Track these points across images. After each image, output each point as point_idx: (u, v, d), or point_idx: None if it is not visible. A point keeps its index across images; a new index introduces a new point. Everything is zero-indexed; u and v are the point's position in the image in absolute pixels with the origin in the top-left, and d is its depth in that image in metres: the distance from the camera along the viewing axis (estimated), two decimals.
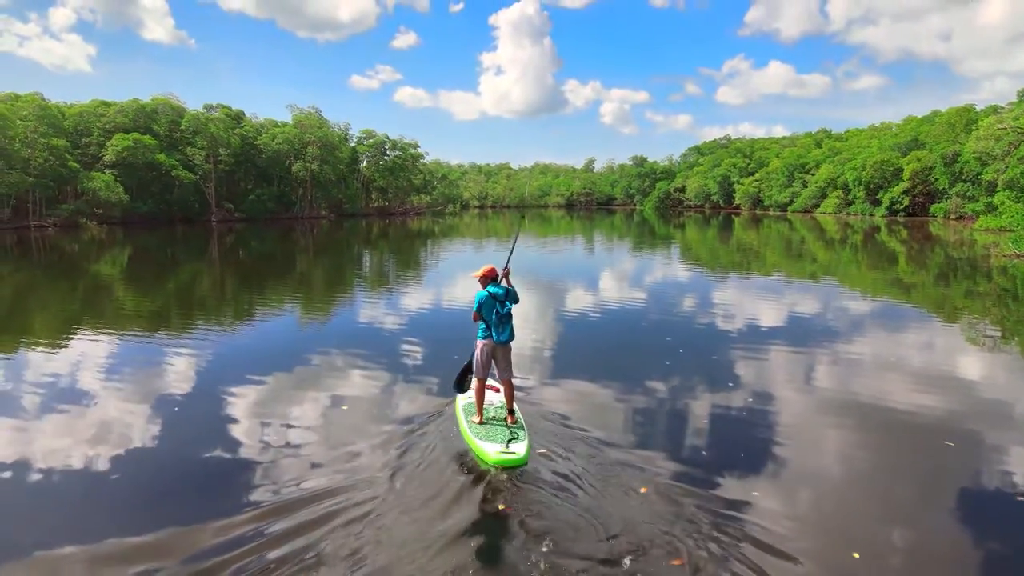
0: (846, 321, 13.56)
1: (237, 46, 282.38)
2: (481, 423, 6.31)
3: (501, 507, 5.01)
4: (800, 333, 12.08)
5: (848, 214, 71.36)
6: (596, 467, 5.74)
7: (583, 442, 6.33)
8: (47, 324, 13.42)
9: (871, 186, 67.37)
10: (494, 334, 6.31)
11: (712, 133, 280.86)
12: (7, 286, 19.96)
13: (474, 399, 6.52)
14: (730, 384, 8.60)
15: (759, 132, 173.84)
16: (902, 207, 63.55)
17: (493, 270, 6.45)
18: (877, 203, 66.73)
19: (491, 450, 5.71)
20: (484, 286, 6.38)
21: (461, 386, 6.76)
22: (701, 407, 7.65)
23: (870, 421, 7.28)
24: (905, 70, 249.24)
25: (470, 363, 6.62)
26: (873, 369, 9.53)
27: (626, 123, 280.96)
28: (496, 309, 6.28)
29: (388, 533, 4.57)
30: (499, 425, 6.28)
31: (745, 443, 6.58)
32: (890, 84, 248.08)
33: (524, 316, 13.84)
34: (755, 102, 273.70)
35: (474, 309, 6.35)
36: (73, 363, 9.77)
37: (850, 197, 72.36)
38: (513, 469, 5.60)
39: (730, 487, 5.48)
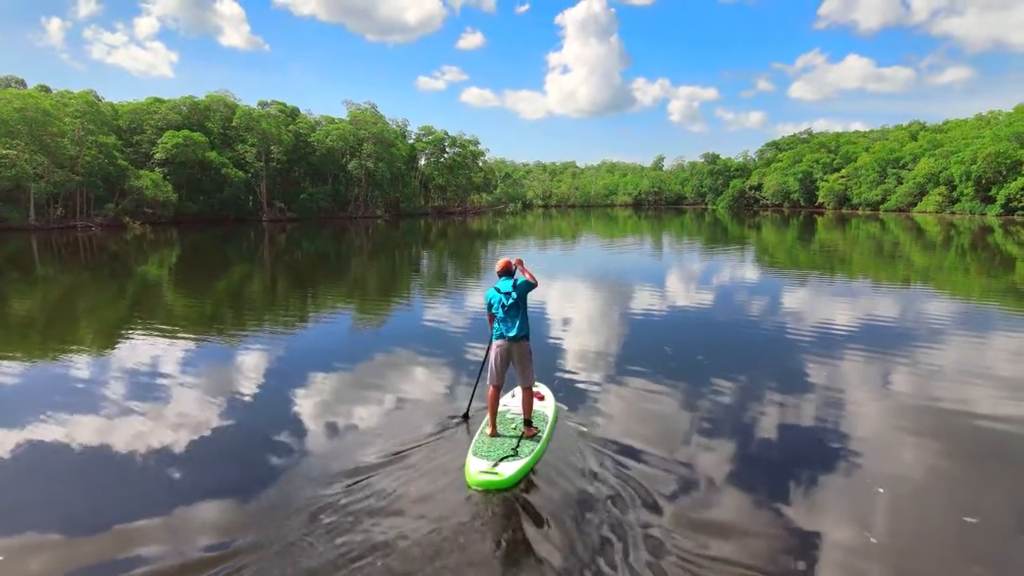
0: (952, 335, 11.29)
1: (309, 50, 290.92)
2: (493, 435, 5.96)
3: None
4: (895, 343, 10.54)
5: (952, 213, 64.28)
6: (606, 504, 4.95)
7: (616, 466, 5.59)
8: (107, 325, 13.55)
9: (983, 181, 60.11)
10: (503, 328, 6.12)
11: (786, 130, 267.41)
12: (57, 288, 19.51)
13: (487, 409, 6.18)
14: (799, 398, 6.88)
15: (836, 128, 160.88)
16: (1021, 205, 56.06)
17: (508, 263, 6.30)
18: (990, 200, 59.47)
19: (475, 468, 5.29)
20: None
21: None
22: (763, 427, 6.81)
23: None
24: (995, 62, 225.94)
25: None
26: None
27: (695, 121, 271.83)
28: (502, 302, 6.10)
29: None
30: (511, 438, 5.90)
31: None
32: (978, 77, 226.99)
33: (584, 315, 13.73)
34: (831, 98, 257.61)
35: (486, 309, 6.28)
36: (135, 361, 9.82)
37: (955, 194, 65.09)
38: (495, 492, 5.05)
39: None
